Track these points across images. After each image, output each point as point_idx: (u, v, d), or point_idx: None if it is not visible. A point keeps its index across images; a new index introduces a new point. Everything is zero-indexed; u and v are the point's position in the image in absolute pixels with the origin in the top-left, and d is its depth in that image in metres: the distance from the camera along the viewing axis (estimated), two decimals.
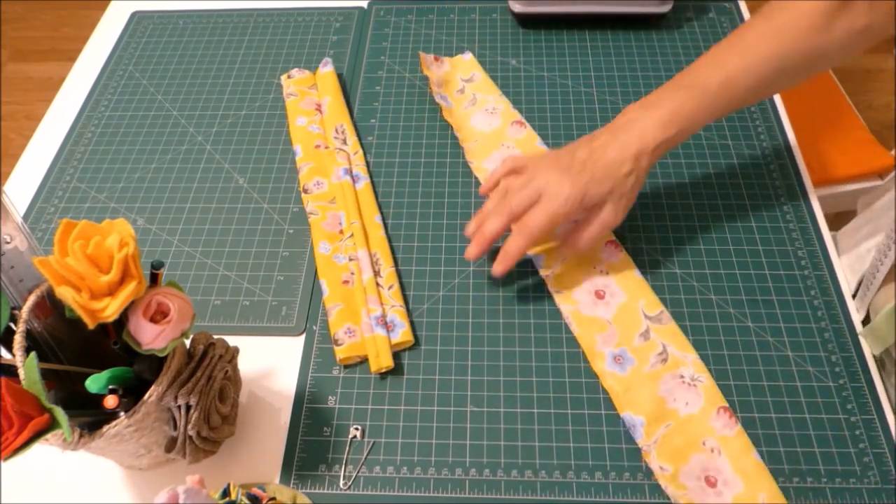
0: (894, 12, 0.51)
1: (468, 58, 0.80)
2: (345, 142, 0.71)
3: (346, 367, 0.57)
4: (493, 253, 0.64)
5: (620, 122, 0.56)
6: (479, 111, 0.74)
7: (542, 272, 0.61)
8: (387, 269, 0.61)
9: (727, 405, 0.53)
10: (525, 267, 0.62)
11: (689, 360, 0.55)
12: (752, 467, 0.50)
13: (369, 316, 0.57)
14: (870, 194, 0.70)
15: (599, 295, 0.59)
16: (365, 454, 0.53)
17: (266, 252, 0.65)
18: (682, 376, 0.54)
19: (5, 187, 0.72)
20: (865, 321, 0.59)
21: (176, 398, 0.44)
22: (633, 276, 0.60)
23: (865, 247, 0.61)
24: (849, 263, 0.62)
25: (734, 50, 0.55)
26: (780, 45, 0.53)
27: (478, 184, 0.69)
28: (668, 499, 0.49)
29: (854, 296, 0.60)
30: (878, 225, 0.62)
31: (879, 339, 0.55)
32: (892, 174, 0.67)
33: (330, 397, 0.56)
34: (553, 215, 0.54)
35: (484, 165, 0.70)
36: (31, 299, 0.42)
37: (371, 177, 0.70)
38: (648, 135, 0.54)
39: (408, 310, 0.60)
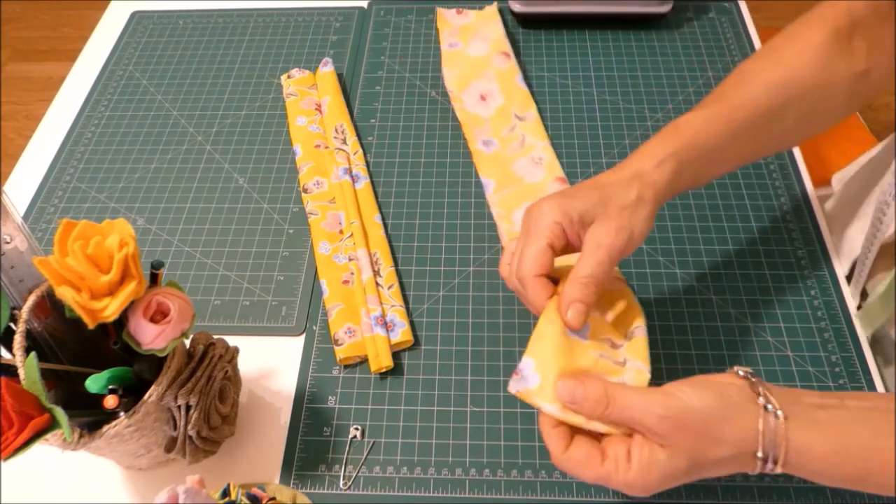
0: (894, 61, 0.50)
1: (493, 5, 0.83)
2: (344, 141, 0.71)
3: (346, 367, 0.57)
4: (491, 252, 0.64)
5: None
6: (476, 39, 0.79)
7: (489, 196, 0.66)
8: (386, 268, 0.61)
9: (564, 177, 0.67)
10: None
11: (539, 146, 0.69)
12: None
13: (369, 316, 0.57)
14: (846, 170, 0.71)
15: None
16: (365, 454, 0.53)
17: (266, 252, 0.65)
18: (532, 157, 0.68)
19: (5, 187, 0.72)
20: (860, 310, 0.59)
21: (176, 398, 0.44)
22: None
23: (854, 230, 0.62)
24: (839, 246, 0.63)
25: (735, 79, 0.50)
26: (784, 73, 0.49)
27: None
28: (668, 498, 0.49)
29: (849, 279, 0.61)
30: (863, 208, 0.63)
31: (871, 319, 0.56)
32: (868, 151, 0.68)
33: (330, 397, 0.56)
34: (531, 238, 0.44)
35: (462, 97, 0.74)
36: (31, 299, 0.42)
37: (371, 177, 0.70)
38: (644, 156, 0.46)
39: (408, 310, 0.60)
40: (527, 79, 0.77)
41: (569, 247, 0.45)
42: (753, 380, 0.38)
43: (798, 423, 0.36)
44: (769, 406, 0.37)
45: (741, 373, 0.39)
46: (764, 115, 0.49)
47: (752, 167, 0.69)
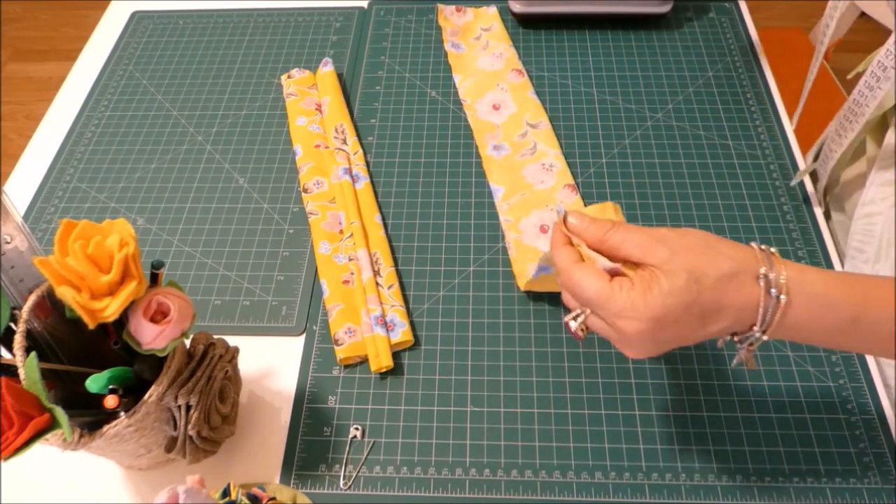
0: None
1: (492, 10, 0.85)
2: (345, 141, 0.71)
3: (346, 367, 0.57)
4: (491, 252, 0.64)
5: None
6: (488, 54, 0.80)
7: (498, 203, 0.66)
8: (387, 268, 0.61)
9: (575, 185, 0.66)
10: None
11: (551, 154, 0.69)
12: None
13: (369, 315, 0.57)
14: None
15: (544, 230, 0.64)
16: (365, 454, 0.53)
17: (266, 252, 0.65)
18: (542, 164, 0.68)
19: (5, 187, 0.72)
20: None
21: (176, 398, 0.44)
22: None
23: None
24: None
25: None
26: None
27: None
28: (668, 498, 0.49)
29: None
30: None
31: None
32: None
33: (330, 397, 0.56)
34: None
35: (475, 106, 0.75)
36: (32, 299, 0.42)
37: (371, 177, 0.70)
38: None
39: (408, 310, 0.60)
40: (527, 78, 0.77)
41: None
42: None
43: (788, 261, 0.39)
44: (763, 246, 0.40)
45: None
46: None
47: (751, 167, 0.69)
